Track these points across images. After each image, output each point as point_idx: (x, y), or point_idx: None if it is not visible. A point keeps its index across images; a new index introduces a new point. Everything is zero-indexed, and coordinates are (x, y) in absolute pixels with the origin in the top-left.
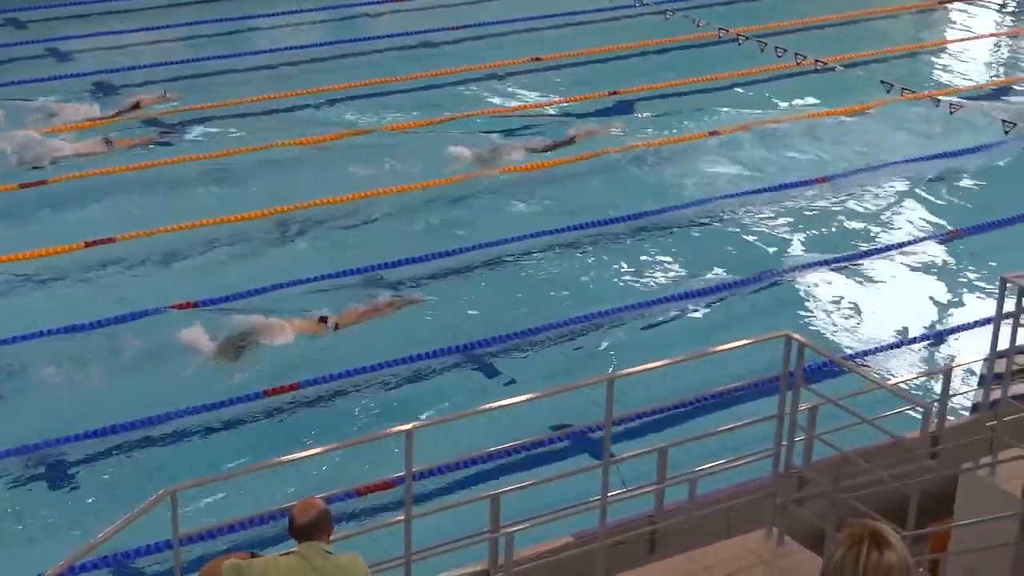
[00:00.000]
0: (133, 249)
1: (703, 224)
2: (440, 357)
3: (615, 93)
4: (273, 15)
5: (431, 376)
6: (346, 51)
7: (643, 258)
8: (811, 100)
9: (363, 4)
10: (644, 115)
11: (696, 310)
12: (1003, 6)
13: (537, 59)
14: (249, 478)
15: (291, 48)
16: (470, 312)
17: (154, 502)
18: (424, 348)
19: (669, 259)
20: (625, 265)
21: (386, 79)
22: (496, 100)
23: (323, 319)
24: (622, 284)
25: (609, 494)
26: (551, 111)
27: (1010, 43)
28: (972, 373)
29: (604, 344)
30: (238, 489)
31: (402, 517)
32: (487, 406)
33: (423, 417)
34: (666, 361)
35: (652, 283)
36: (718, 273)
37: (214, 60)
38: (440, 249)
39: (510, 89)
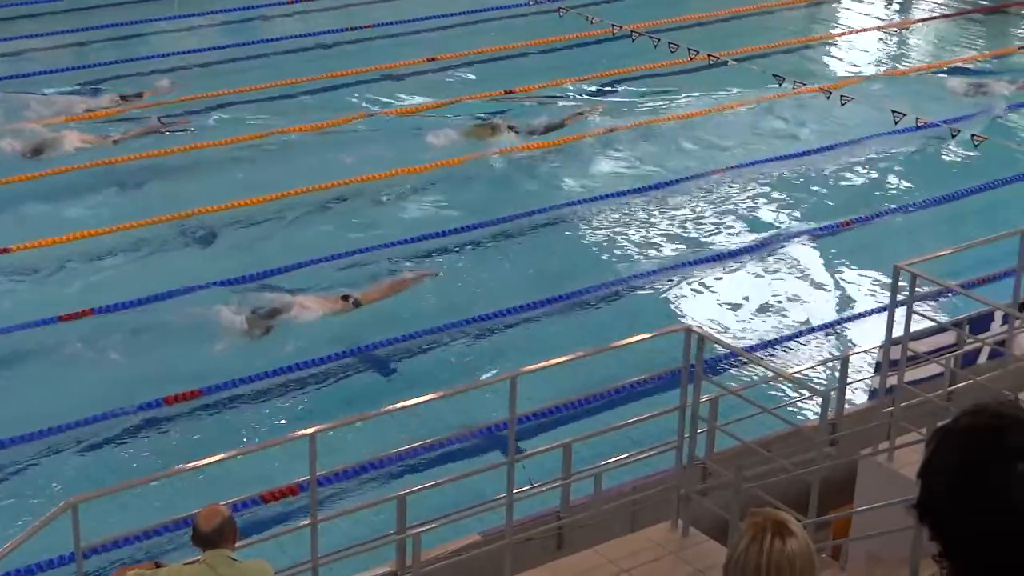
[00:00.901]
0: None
1: (596, 222)
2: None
3: (510, 92)
4: (168, 19)
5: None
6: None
7: (539, 257)
8: (704, 94)
9: (258, 7)
10: (539, 114)
11: (598, 306)
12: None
13: (432, 59)
14: (159, 485)
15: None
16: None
17: (55, 514)
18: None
19: (564, 257)
20: (524, 265)
21: (288, 80)
22: (393, 100)
23: (346, 297)
24: (520, 284)
25: (515, 491)
26: (447, 111)
27: (898, 34)
28: (869, 360)
29: (504, 342)
30: (144, 497)
31: (307, 522)
32: (391, 407)
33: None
34: (568, 357)
35: (547, 282)
36: (616, 270)
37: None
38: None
39: (407, 90)
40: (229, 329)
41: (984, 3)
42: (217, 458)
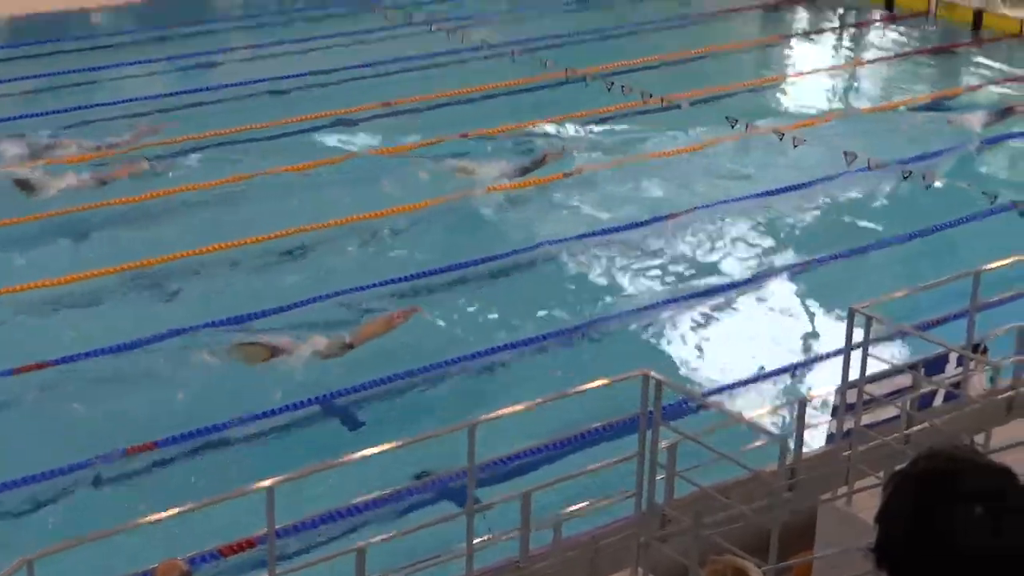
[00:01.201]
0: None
1: (554, 266)
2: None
3: (465, 136)
4: (119, 65)
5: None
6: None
7: (499, 302)
8: (659, 137)
9: (208, 53)
10: (496, 157)
11: (555, 350)
12: (840, 40)
13: (387, 104)
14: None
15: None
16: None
17: (10, 572)
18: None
19: (523, 302)
20: (481, 311)
21: (247, 126)
22: (350, 146)
23: (346, 344)
24: (475, 330)
25: (475, 541)
26: (403, 156)
27: (849, 75)
28: (826, 404)
29: (462, 390)
30: (103, 551)
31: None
32: (350, 456)
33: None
34: (526, 404)
35: (508, 327)
36: (573, 314)
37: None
38: None
39: (361, 134)
40: (204, 372)
41: (932, 44)
42: (176, 511)
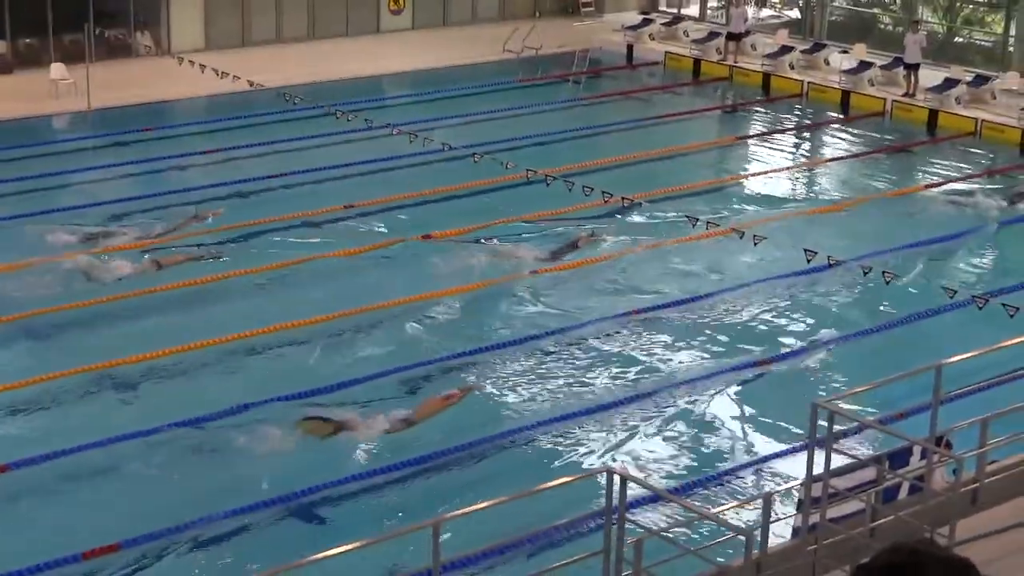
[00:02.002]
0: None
1: (514, 365)
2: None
3: (428, 237)
4: (78, 171)
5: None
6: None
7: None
8: (620, 237)
9: (171, 157)
10: (458, 257)
11: (520, 447)
12: (797, 140)
13: (350, 206)
14: None
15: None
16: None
17: None
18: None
19: (491, 402)
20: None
21: (218, 228)
22: (308, 250)
23: (406, 421)
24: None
25: None
26: (363, 257)
27: (808, 174)
28: (791, 498)
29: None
30: None
31: None
32: (312, 557)
33: None
34: (491, 502)
35: (471, 427)
36: (531, 412)
37: None
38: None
39: (323, 237)
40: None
41: (888, 143)
42: None
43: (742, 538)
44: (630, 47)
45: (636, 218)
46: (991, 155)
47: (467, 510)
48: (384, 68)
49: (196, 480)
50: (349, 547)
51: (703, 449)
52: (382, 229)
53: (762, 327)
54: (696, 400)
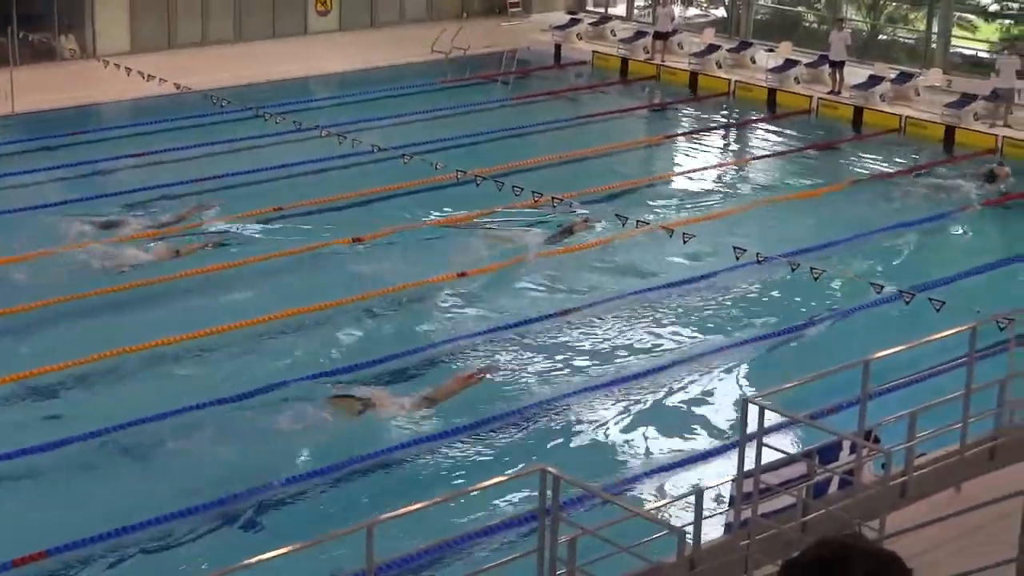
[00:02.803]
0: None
1: (450, 362)
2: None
3: (358, 240)
4: (4, 175)
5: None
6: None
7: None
8: (549, 235)
9: (98, 160)
10: (389, 259)
11: (452, 447)
12: (725, 138)
13: (279, 208)
14: None
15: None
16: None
17: None
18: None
19: (413, 403)
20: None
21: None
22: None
23: (432, 399)
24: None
25: None
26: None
27: (736, 172)
28: (723, 494)
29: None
30: None
31: None
32: (248, 561)
33: None
34: (425, 503)
35: (398, 425)
36: (471, 411)
37: None
38: None
39: (257, 237)
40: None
41: (815, 140)
42: None
43: (675, 535)
44: (558, 47)
45: (565, 217)
46: (915, 151)
47: (401, 511)
48: (312, 70)
49: (231, 458)
50: (282, 551)
51: (636, 447)
52: (308, 228)
53: (691, 324)
54: (628, 398)
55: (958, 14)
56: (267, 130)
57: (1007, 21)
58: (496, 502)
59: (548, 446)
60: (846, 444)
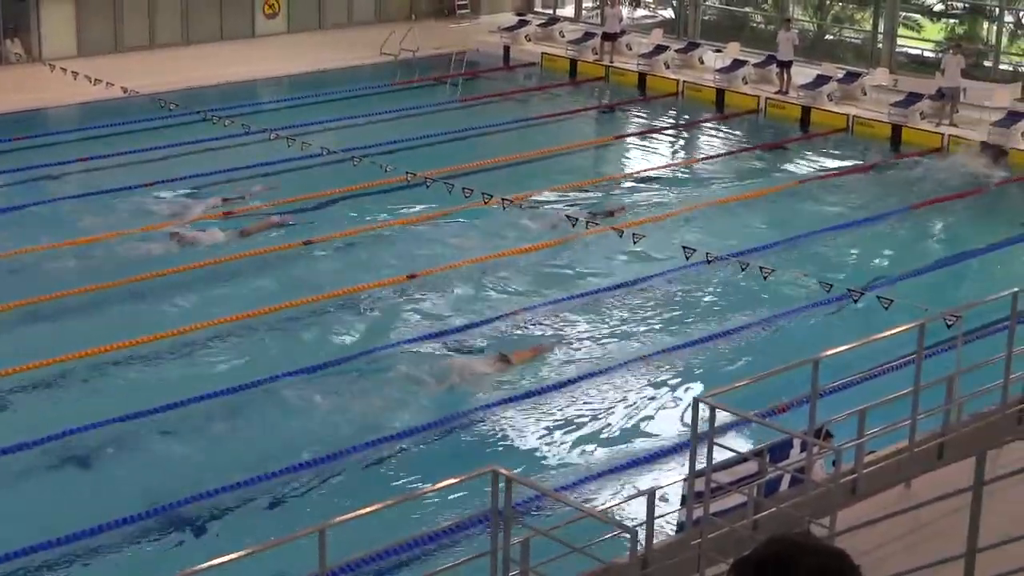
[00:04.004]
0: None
1: (403, 366)
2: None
3: (309, 243)
4: None
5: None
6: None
7: (341, 402)
8: (499, 237)
9: (45, 165)
10: (337, 262)
11: (405, 454)
12: (674, 139)
13: (229, 214)
14: None
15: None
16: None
17: None
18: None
19: (364, 406)
20: (330, 411)
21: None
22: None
23: (504, 357)
24: (325, 429)
25: None
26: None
27: (684, 172)
28: (674, 493)
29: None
30: None
31: None
32: (199, 567)
33: None
34: (377, 505)
35: (335, 432)
36: (418, 413)
37: None
38: None
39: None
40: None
41: (763, 140)
42: None
43: (627, 535)
44: (506, 48)
45: (515, 219)
46: (863, 150)
47: (353, 515)
48: (260, 72)
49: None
50: (234, 556)
51: (588, 447)
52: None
53: (641, 324)
54: (578, 398)
55: (903, 14)
56: (215, 133)
57: (952, 20)
58: (449, 504)
59: (499, 447)
60: (797, 442)
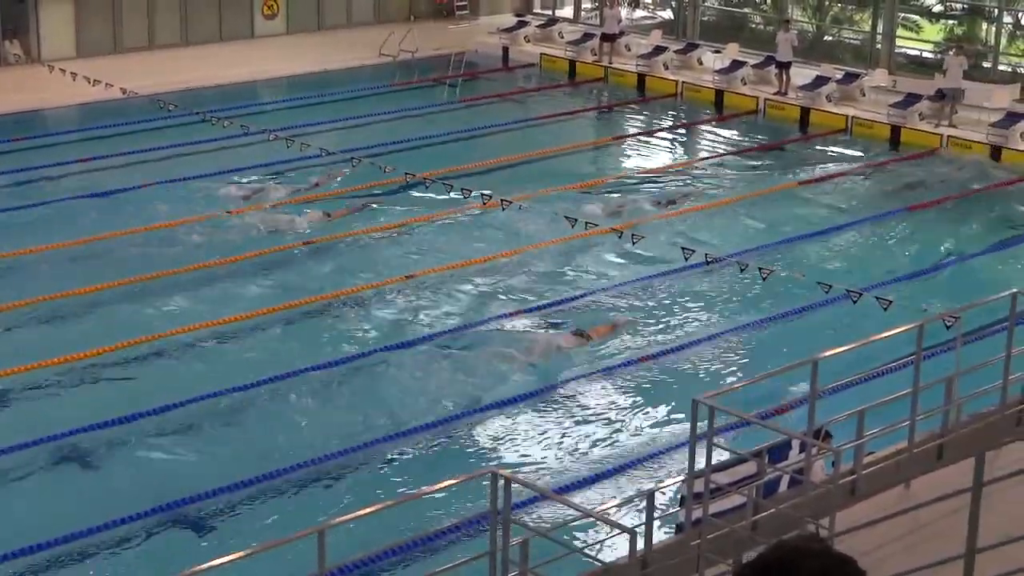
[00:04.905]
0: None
1: (395, 369)
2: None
3: (308, 243)
4: None
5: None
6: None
7: (345, 404)
8: (498, 238)
9: (44, 166)
10: (335, 262)
11: (404, 455)
12: (673, 140)
13: (228, 213)
14: None
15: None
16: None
17: None
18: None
19: (362, 411)
20: (319, 414)
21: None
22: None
23: (581, 333)
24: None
25: None
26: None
27: (683, 173)
28: (674, 494)
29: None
30: None
31: None
32: (193, 569)
33: None
34: (376, 506)
35: (342, 437)
36: (413, 416)
37: None
38: None
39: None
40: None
41: (762, 141)
42: None
43: (627, 536)
44: (505, 49)
45: (515, 219)
46: (862, 150)
47: (352, 516)
48: (259, 73)
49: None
50: (233, 557)
51: (587, 447)
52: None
53: (642, 325)
54: (580, 398)
55: (902, 15)
56: (215, 134)
57: (951, 21)
58: (449, 505)
59: (499, 449)
60: (796, 443)
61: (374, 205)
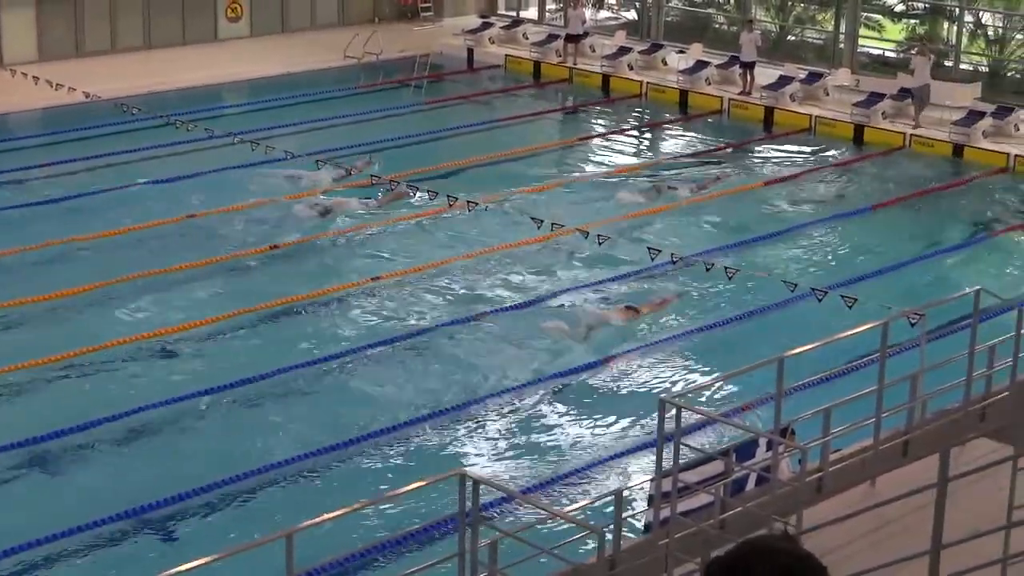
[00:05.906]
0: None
1: (361, 373)
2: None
3: (276, 247)
4: None
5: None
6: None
7: (305, 412)
8: (465, 241)
9: (6, 171)
10: (298, 267)
11: (372, 457)
12: (639, 140)
13: (191, 215)
14: None
15: None
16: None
17: None
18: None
19: (329, 414)
20: (283, 419)
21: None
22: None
23: (632, 308)
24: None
25: None
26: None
27: (648, 173)
28: (642, 494)
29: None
30: None
31: None
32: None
33: None
34: (344, 510)
35: (309, 439)
36: (381, 418)
37: None
38: None
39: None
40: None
41: (727, 141)
42: None
43: (595, 536)
44: (470, 51)
45: (482, 221)
46: (825, 149)
47: (321, 519)
48: (223, 76)
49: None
50: (201, 562)
51: (555, 448)
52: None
53: (607, 325)
54: (546, 399)
55: (865, 14)
56: (179, 138)
57: (913, 21)
58: (416, 507)
59: (466, 450)
60: (762, 441)
61: (406, 191)
